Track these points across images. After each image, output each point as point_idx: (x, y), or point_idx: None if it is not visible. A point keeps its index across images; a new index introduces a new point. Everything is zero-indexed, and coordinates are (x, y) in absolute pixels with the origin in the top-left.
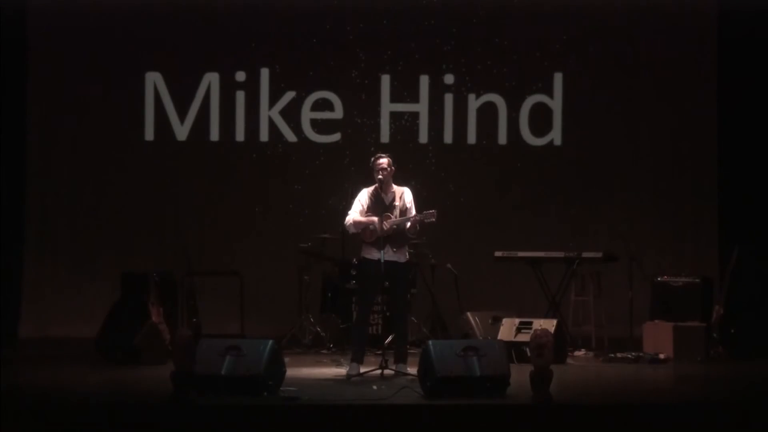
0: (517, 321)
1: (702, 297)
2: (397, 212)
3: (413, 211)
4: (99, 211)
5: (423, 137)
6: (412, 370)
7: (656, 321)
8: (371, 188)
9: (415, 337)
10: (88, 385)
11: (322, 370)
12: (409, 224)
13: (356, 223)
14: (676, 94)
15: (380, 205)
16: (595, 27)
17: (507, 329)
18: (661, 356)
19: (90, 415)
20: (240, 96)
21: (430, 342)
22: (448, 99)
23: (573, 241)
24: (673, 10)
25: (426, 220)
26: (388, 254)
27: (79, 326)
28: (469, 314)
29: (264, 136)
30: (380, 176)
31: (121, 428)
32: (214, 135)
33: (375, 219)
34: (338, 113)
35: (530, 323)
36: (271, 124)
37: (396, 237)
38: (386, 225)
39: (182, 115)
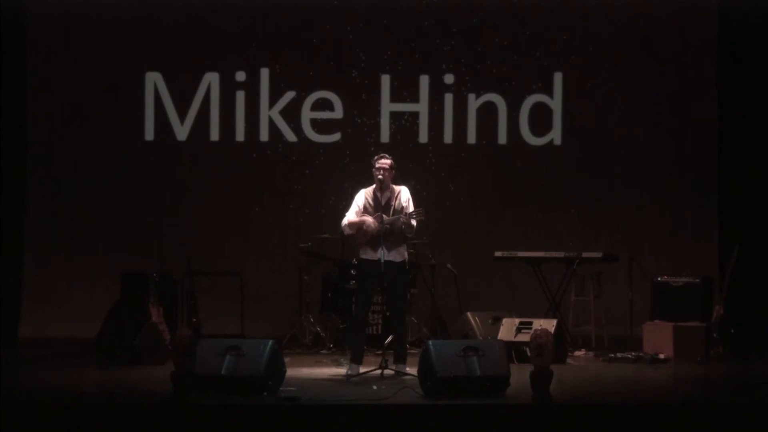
0: (517, 321)
1: (702, 297)
2: (391, 212)
3: (410, 209)
4: (99, 211)
5: (423, 137)
6: (412, 370)
7: (656, 321)
8: (369, 189)
9: (415, 337)
10: (88, 385)
11: (322, 370)
12: (404, 225)
13: (351, 224)
14: (676, 94)
15: (377, 205)
16: (595, 27)
17: (507, 329)
18: (661, 356)
19: (90, 415)
20: (240, 96)
21: (430, 342)
22: (448, 99)
23: (573, 241)
24: (673, 10)
25: (417, 218)
26: (384, 254)
27: (79, 326)
28: (469, 314)
29: (264, 136)
30: (380, 176)
31: (121, 428)
32: (214, 135)
33: (367, 218)
34: (338, 113)
35: (530, 323)
36: (271, 124)
37: (391, 237)
38: (377, 224)
39: (182, 115)
